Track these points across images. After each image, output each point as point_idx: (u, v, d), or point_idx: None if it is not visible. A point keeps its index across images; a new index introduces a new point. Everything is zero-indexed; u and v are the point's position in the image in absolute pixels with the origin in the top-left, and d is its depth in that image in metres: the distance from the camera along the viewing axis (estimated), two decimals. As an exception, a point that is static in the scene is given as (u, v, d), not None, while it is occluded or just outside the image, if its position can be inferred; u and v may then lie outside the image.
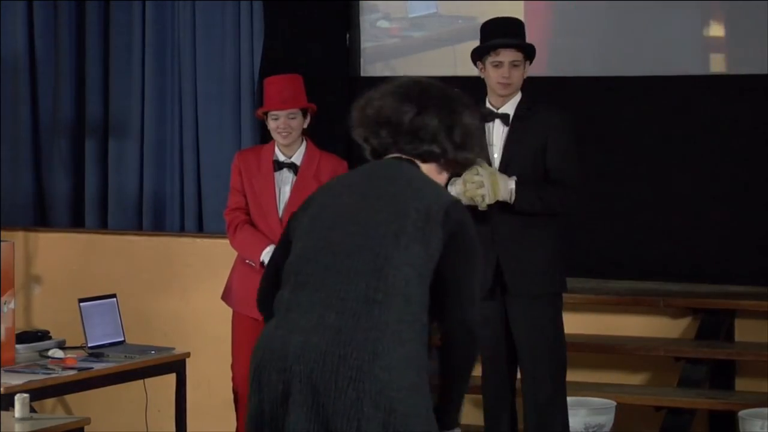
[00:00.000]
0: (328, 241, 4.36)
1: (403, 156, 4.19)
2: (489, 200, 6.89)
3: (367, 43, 10.76)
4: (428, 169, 4.31)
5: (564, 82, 9.40)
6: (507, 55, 7.24)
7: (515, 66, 7.16)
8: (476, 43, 7.74)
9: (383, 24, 10.93)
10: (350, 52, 10.49)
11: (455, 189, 6.94)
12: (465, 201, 6.77)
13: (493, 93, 7.25)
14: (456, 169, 4.57)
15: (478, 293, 4.15)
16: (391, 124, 4.18)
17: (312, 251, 4.32)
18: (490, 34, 7.41)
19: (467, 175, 6.90)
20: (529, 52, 7.27)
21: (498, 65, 7.22)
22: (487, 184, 6.99)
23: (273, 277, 4.30)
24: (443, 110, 4.26)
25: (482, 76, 7.28)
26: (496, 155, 7.15)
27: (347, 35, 10.42)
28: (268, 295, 4.29)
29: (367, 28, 10.76)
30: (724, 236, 9.02)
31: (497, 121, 7.20)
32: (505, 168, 7.07)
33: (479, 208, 6.93)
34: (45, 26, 10.74)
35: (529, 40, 7.68)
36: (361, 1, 10.72)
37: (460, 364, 4.24)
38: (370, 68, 10.55)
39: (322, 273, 4.27)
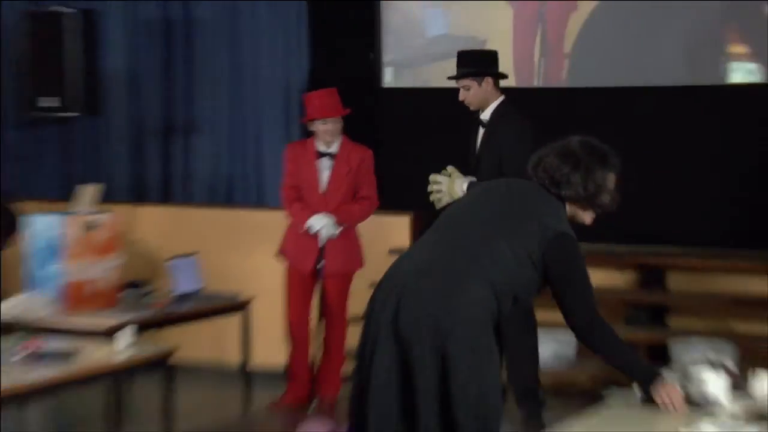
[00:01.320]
0: (464, 213, 5.57)
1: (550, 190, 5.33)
2: (445, 200, 7.80)
3: (388, 56, 11.24)
4: (570, 206, 5.30)
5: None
6: (460, 83, 8.27)
7: (466, 89, 8.20)
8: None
9: (403, 42, 11.39)
10: (374, 67, 11.19)
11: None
12: (435, 196, 8.00)
13: None
14: (594, 210, 5.33)
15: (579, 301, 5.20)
16: (547, 172, 5.26)
17: (451, 217, 5.52)
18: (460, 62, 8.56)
19: (432, 177, 8.01)
20: (479, 74, 8.29)
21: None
22: (444, 188, 7.85)
23: None
24: (584, 169, 5.22)
25: None
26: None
27: (371, 54, 11.11)
28: None
29: (390, 44, 11.27)
30: (662, 205, 9.72)
31: (480, 127, 8.36)
32: (477, 167, 8.12)
33: (436, 207, 7.93)
34: (143, 49, 11.56)
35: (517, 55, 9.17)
36: (383, 25, 11.20)
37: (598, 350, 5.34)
38: (390, 81, 11.18)
39: (449, 231, 5.42)
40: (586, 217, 5.36)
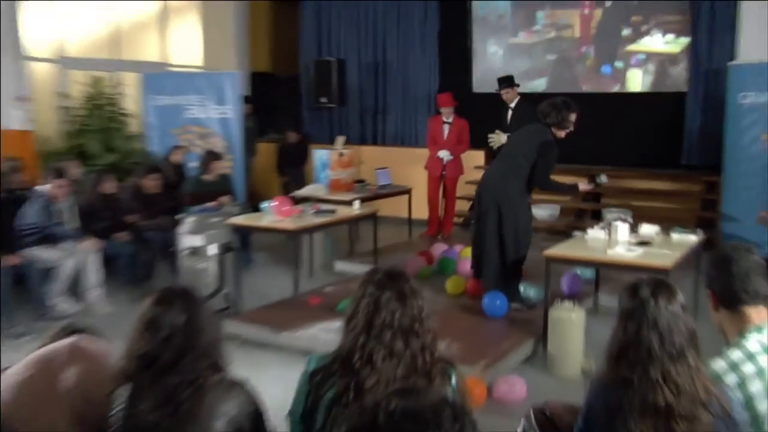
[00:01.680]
0: (505, 147, 6.31)
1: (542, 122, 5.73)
2: (496, 145, 8.16)
3: (476, 77, 11.06)
4: (552, 128, 5.75)
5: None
6: (502, 91, 8.63)
7: (506, 93, 8.59)
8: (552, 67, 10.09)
9: (489, 55, 10.95)
10: (467, 77, 11.12)
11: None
12: (491, 143, 8.30)
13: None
14: (564, 129, 5.73)
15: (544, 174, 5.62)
16: (542, 113, 5.78)
17: (501, 150, 6.31)
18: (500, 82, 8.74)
19: (489, 135, 8.37)
20: (511, 86, 8.54)
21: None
22: (495, 139, 8.23)
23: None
24: (557, 110, 5.77)
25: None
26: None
27: (468, 72, 11.02)
28: None
29: (478, 58, 11.07)
30: (600, 142, 9.57)
31: (509, 111, 8.61)
32: (509, 130, 8.07)
33: (493, 148, 8.30)
34: (363, 74, 11.75)
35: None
36: (474, 45, 11.00)
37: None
38: (478, 86, 11.03)
39: (500, 156, 6.22)
40: (561, 134, 5.85)
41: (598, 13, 9.74)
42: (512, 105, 8.57)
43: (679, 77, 9.72)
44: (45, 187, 6.63)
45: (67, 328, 2.69)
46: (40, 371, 2.42)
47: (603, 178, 6.07)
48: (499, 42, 10.44)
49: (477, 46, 11.09)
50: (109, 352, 2.59)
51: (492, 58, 11.00)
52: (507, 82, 8.72)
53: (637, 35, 9.70)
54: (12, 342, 5.73)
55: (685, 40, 9.54)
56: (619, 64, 9.92)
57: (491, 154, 8.52)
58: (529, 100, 8.52)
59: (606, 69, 9.98)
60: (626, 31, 9.66)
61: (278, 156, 10.99)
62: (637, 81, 9.93)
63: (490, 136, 8.20)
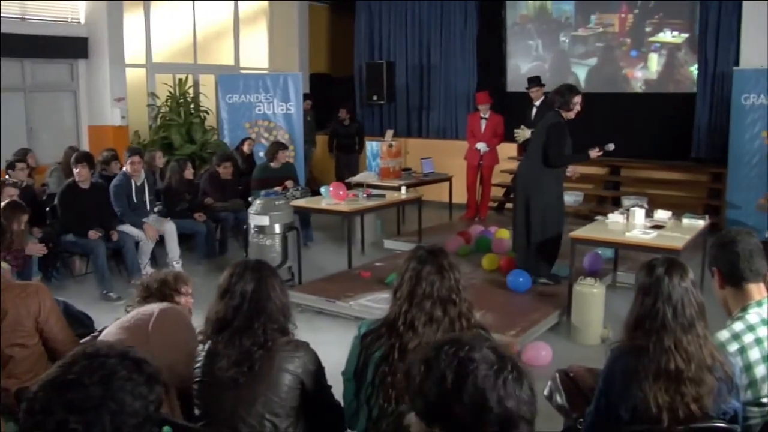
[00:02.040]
0: (531, 141, 6.11)
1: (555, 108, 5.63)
2: (522, 139, 7.95)
3: (509, 78, 10.85)
4: (562, 111, 5.64)
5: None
6: (531, 89, 8.44)
7: (534, 92, 8.35)
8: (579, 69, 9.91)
9: (520, 60, 10.82)
10: (501, 80, 10.91)
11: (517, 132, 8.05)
12: (516, 137, 8.06)
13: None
14: (570, 111, 5.58)
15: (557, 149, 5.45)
16: (552, 99, 5.71)
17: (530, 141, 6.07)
18: (529, 81, 8.57)
19: (516, 130, 8.15)
20: (539, 85, 8.31)
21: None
22: (521, 134, 7.98)
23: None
24: (562, 95, 5.67)
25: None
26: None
27: (502, 74, 10.84)
28: None
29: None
30: (619, 137, 8.48)
31: (534, 108, 8.40)
32: (533, 125, 7.62)
33: (519, 142, 8.15)
34: (410, 75, 11.56)
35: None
36: (508, 48, 10.81)
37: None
38: (511, 86, 10.82)
39: (528, 148, 6.12)
40: (571, 114, 5.68)
41: (630, 16, 10.13)
42: (537, 103, 8.38)
43: (681, 65, 9.82)
44: (126, 167, 6.82)
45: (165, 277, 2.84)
46: (133, 331, 2.53)
47: (610, 146, 5.91)
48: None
49: (511, 49, 11.00)
50: (187, 317, 2.71)
51: (523, 60, 10.94)
52: (536, 81, 8.58)
53: (655, 31, 9.97)
54: (110, 304, 5.92)
55: (684, 36, 9.76)
56: (643, 49, 10.05)
57: (522, 147, 8.31)
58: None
59: (633, 53, 10.06)
60: (648, 28, 9.92)
61: (329, 137, 10.86)
62: (654, 61, 9.99)
63: (515, 131, 8.08)
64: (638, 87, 10.07)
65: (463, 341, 1.33)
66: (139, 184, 6.74)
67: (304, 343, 2.37)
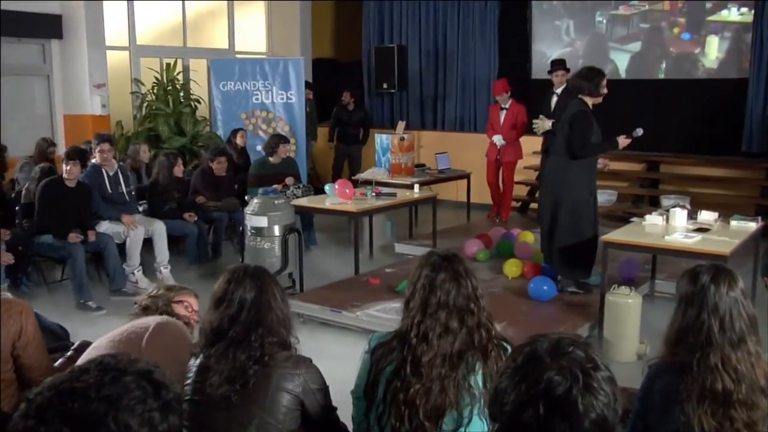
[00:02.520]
0: (555, 137, 6.09)
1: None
2: (541, 131, 7.82)
3: (534, 66, 10.93)
4: (586, 98, 5.64)
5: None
6: (555, 73, 8.40)
7: (557, 76, 8.32)
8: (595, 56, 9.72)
9: (544, 47, 10.84)
10: (526, 66, 11.00)
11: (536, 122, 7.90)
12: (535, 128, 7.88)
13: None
14: (596, 97, 5.60)
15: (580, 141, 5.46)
16: (574, 85, 5.78)
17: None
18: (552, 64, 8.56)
19: (534, 121, 7.90)
20: (564, 69, 8.25)
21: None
22: (540, 125, 7.74)
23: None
24: (587, 79, 5.66)
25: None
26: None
27: (526, 59, 10.89)
28: None
29: (537, 48, 10.94)
30: (657, 132, 8.85)
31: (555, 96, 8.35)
32: (554, 115, 7.77)
33: (538, 134, 8.04)
34: (424, 61, 11.65)
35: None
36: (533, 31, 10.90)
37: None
38: (536, 72, 10.76)
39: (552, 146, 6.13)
40: (598, 100, 5.70)
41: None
42: (558, 90, 8.30)
43: (750, 51, 9.41)
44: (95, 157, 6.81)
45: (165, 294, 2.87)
46: (125, 346, 2.53)
47: (639, 131, 5.89)
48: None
49: (536, 31, 11.00)
50: (187, 333, 2.72)
51: (551, 44, 10.89)
52: (560, 64, 8.52)
53: (716, 8, 9.66)
54: (89, 315, 5.92)
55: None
56: (702, 32, 9.81)
57: (544, 142, 8.29)
58: None
59: (686, 36, 9.86)
60: (708, 4, 9.65)
61: (331, 125, 10.90)
62: (713, 46, 9.75)
63: (534, 121, 7.96)
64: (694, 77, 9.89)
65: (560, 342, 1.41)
66: (112, 173, 6.75)
67: (306, 359, 2.37)
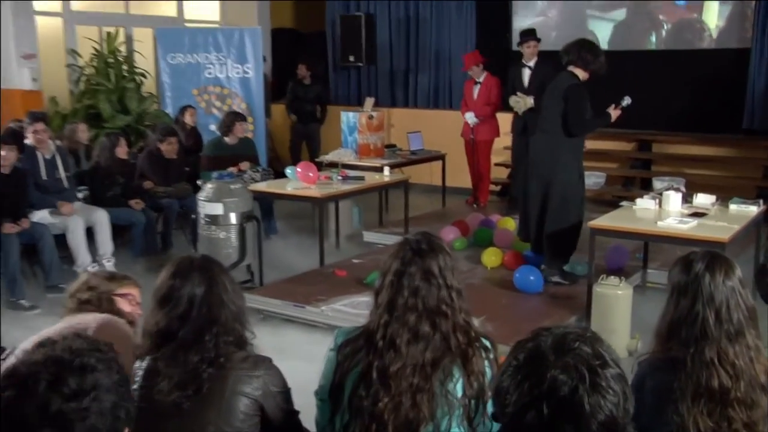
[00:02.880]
0: (543, 113, 6.06)
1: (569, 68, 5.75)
2: (522, 109, 8.07)
3: (518, 21, 10.80)
4: (575, 70, 5.77)
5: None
6: (526, 44, 8.44)
7: (528, 47, 8.39)
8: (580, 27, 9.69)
9: (525, 16, 10.80)
10: (506, 35, 10.94)
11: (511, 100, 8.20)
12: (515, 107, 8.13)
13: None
14: (587, 71, 5.74)
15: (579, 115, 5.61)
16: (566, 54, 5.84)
17: (542, 108, 6.07)
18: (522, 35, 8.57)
19: (512, 98, 8.23)
20: (535, 39, 8.36)
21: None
22: (521, 103, 8.07)
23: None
24: (577, 46, 5.81)
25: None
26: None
27: (507, 29, 10.84)
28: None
29: (519, 12, 10.90)
30: (648, 109, 9.07)
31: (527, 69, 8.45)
32: (529, 89, 8.21)
33: (519, 113, 8.21)
34: (394, 31, 11.60)
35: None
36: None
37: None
38: (516, 45, 9.96)
39: (540, 123, 6.13)
40: (586, 74, 5.82)
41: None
42: (531, 63, 8.41)
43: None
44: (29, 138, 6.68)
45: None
46: None
47: (626, 100, 5.97)
48: None
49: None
50: (132, 336, 2.67)
51: (530, 12, 10.92)
52: (531, 35, 8.55)
53: None
54: (21, 315, 5.83)
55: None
56: None
57: (514, 121, 8.47)
58: (549, 58, 8.48)
59: (681, 1, 9.83)
60: None
61: (288, 101, 10.86)
62: (712, 13, 9.65)
63: (512, 98, 8.09)
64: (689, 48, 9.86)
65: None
66: (48, 157, 6.65)
67: (266, 359, 2.33)
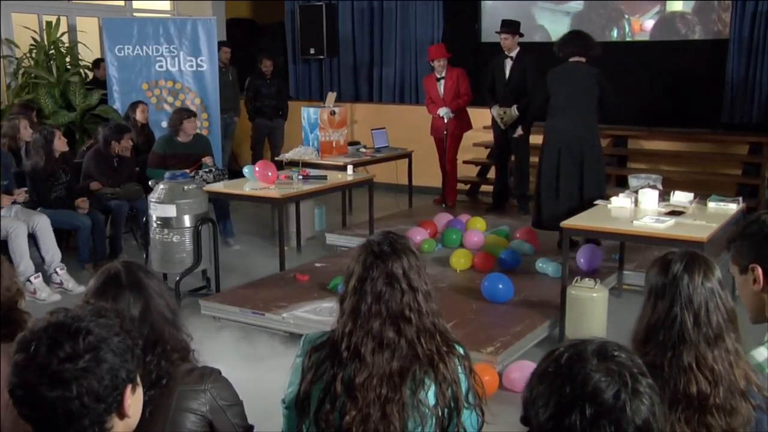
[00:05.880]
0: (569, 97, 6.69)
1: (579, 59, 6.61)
2: (509, 123, 8.31)
3: (487, 12, 10.97)
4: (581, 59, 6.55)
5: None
6: (503, 36, 8.59)
7: (506, 39, 8.54)
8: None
9: (496, 7, 10.61)
10: (475, 27, 11.04)
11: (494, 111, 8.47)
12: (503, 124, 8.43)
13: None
14: (586, 57, 6.57)
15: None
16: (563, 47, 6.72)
17: (558, 95, 6.70)
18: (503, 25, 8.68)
19: (495, 111, 8.52)
20: (513, 33, 8.52)
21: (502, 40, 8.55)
22: (505, 117, 8.34)
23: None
24: (583, 38, 6.66)
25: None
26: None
27: (475, 20, 10.94)
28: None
29: (488, 7, 10.94)
30: (626, 105, 8.91)
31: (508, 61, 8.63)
32: (508, 84, 8.48)
33: (503, 128, 8.51)
34: (357, 22, 11.67)
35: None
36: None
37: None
38: (487, 36, 10.72)
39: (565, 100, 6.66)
40: (584, 59, 6.60)
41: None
42: (512, 54, 8.57)
43: (725, 8, 9.48)
44: None
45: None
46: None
47: None
48: None
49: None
50: None
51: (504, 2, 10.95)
52: (514, 26, 8.65)
53: None
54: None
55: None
56: None
57: (497, 130, 8.67)
58: (530, 50, 8.75)
59: None
60: None
61: (250, 94, 10.79)
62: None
63: (495, 110, 8.32)
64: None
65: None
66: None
67: (214, 371, 2.27)
